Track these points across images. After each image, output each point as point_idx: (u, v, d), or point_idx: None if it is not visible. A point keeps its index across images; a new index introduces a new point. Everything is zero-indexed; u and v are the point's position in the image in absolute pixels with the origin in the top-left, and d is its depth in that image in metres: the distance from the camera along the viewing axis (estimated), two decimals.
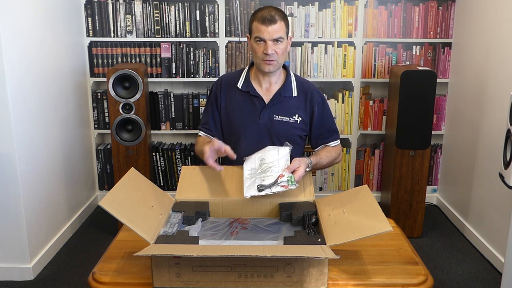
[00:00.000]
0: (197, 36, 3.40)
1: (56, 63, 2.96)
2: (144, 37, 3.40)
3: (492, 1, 2.90)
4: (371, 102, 3.53)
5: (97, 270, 1.40)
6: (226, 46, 3.40)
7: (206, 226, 1.56)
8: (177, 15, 3.37)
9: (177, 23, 3.38)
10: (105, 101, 3.46)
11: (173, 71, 3.44)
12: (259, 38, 1.87)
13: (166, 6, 3.35)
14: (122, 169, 3.06)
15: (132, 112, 3.03)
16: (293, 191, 1.64)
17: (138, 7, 3.36)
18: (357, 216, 1.41)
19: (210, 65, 3.44)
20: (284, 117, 1.97)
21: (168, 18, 3.37)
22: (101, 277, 1.36)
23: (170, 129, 3.53)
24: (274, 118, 1.97)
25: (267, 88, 2.00)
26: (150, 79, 3.41)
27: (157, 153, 3.54)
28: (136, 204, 1.47)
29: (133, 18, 3.38)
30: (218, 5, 3.34)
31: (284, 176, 1.60)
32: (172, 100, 3.47)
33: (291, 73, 2.04)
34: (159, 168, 3.58)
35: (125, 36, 3.40)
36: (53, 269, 2.75)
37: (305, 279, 1.28)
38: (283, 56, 1.93)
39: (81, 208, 3.35)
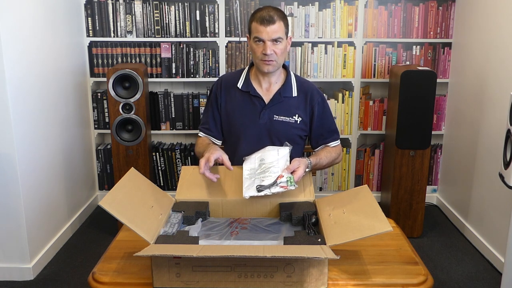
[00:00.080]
0: (197, 36, 3.40)
1: (56, 63, 2.96)
2: (144, 37, 3.40)
3: (492, 1, 2.90)
4: (371, 102, 3.53)
5: (97, 270, 1.40)
6: (226, 46, 3.40)
7: (206, 226, 1.56)
8: (177, 15, 3.37)
9: (177, 23, 3.38)
10: (105, 101, 3.46)
11: (173, 71, 3.44)
12: (258, 39, 1.87)
13: (166, 6, 3.35)
14: (122, 169, 3.06)
15: (132, 112, 3.03)
16: (293, 191, 1.64)
17: (138, 7, 3.36)
18: (357, 216, 1.41)
19: (210, 65, 3.44)
20: (284, 117, 1.97)
21: (168, 18, 3.37)
22: (101, 277, 1.36)
23: (170, 129, 3.53)
24: (274, 118, 1.97)
25: (267, 88, 2.00)
26: (150, 79, 3.41)
27: (157, 153, 3.54)
28: (136, 204, 1.47)
29: (133, 18, 3.38)
30: (218, 5, 3.34)
31: (283, 176, 1.60)
32: (172, 100, 3.47)
33: (291, 73, 2.03)
34: (159, 168, 3.58)
35: (125, 36, 3.40)
36: (53, 269, 2.75)
37: (305, 279, 1.28)
38: (283, 56, 1.93)
39: (81, 208, 3.35)
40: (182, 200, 1.68)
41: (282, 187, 1.57)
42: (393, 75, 3.19)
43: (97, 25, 3.39)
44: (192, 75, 3.45)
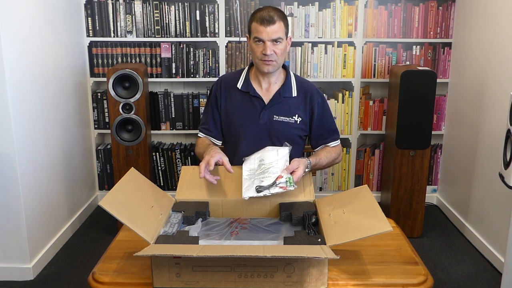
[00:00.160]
0: (197, 36, 3.40)
1: (56, 63, 2.96)
2: (144, 37, 3.40)
3: (492, 1, 2.90)
4: (371, 102, 3.53)
5: (97, 270, 1.40)
6: (226, 46, 3.40)
7: (206, 226, 1.56)
8: (177, 15, 3.37)
9: (177, 23, 3.38)
10: (105, 101, 3.46)
11: (173, 71, 3.44)
12: (258, 39, 1.87)
13: (166, 6, 3.35)
14: (122, 169, 3.06)
15: (132, 112, 3.03)
16: (293, 191, 1.64)
17: (138, 7, 3.36)
18: (357, 216, 1.41)
19: (210, 65, 3.44)
20: (283, 117, 1.97)
21: (168, 18, 3.37)
22: (101, 277, 1.36)
23: (170, 129, 3.53)
24: (274, 118, 1.97)
25: (266, 88, 2.00)
26: (150, 79, 3.41)
27: (157, 153, 3.54)
28: (136, 204, 1.47)
29: (133, 18, 3.38)
30: (218, 5, 3.34)
31: (282, 177, 1.60)
32: (172, 100, 3.47)
33: (291, 73, 2.03)
34: (159, 168, 3.58)
35: (125, 36, 3.40)
36: (53, 269, 2.75)
37: (305, 279, 1.28)
38: (282, 57, 1.93)
39: (81, 208, 3.35)
40: (182, 200, 1.68)
41: (281, 187, 1.57)
42: (393, 75, 3.19)
43: (97, 25, 3.39)
44: (192, 75, 3.45)
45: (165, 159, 3.56)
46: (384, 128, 3.54)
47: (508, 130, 1.92)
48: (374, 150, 3.64)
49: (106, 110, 3.47)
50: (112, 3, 3.36)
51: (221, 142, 2.09)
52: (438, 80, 3.20)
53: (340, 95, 3.47)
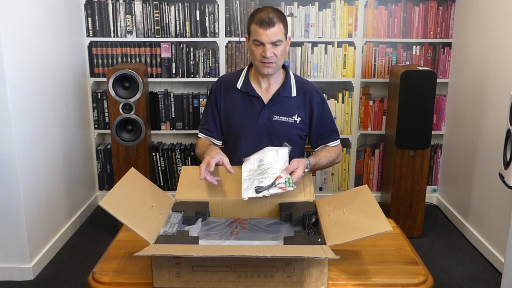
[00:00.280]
0: (197, 36, 3.40)
1: (56, 63, 2.96)
2: (144, 37, 3.40)
3: (492, 1, 2.90)
4: (371, 102, 3.53)
5: (97, 270, 1.40)
6: (226, 46, 3.40)
7: (206, 226, 1.56)
8: (177, 15, 3.37)
9: (177, 23, 3.38)
10: (105, 101, 3.46)
11: (173, 71, 3.44)
12: (257, 41, 1.87)
13: (166, 6, 3.35)
14: (122, 169, 3.06)
15: (132, 112, 3.03)
16: (293, 191, 1.64)
17: (138, 7, 3.36)
18: (357, 216, 1.41)
19: (210, 65, 3.44)
20: (283, 117, 1.97)
21: (168, 18, 3.37)
22: (101, 277, 1.36)
23: (170, 129, 3.53)
24: (274, 118, 1.97)
25: (266, 88, 2.00)
26: (150, 79, 3.41)
27: (157, 153, 3.54)
28: (136, 204, 1.47)
29: (133, 18, 3.38)
30: (218, 5, 3.34)
31: (282, 177, 1.60)
32: (172, 100, 3.47)
33: (291, 73, 2.03)
34: (159, 168, 3.58)
35: (125, 36, 3.40)
36: (53, 269, 2.75)
37: (305, 279, 1.28)
38: (282, 58, 1.93)
39: (81, 208, 3.35)
40: (182, 200, 1.68)
41: (280, 188, 1.57)
42: (393, 75, 3.19)
43: (97, 25, 3.39)
44: (192, 75, 3.45)
45: (165, 159, 3.56)
46: (384, 128, 3.54)
47: (508, 130, 1.92)
48: (374, 150, 3.64)
49: (106, 110, 3.47)
50: (112, 3, 3.36)
51: (221, 142, 2.09)
52: (438, 80, 3.20)
53: (340, 95, 3.47)
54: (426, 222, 3.32)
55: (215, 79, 3.26)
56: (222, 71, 3.43)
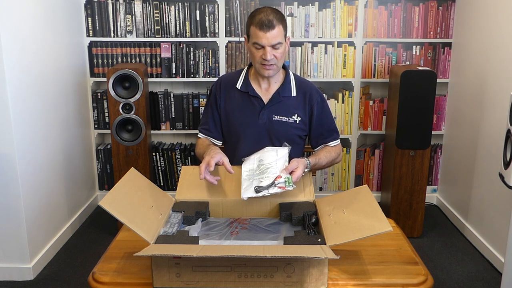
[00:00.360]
0: (197, 36, 3.40)
1: (56, 63, 2.96)
2: (144, 37, 3.40)
3: (492, 1, 2.90)
4: (371, 102, 3.53)
5: (97, 270, 1.40)
6: (226, 46, 3.40)
7: (206, 226, 1.56)
8: (177, 15, 3.37)
9: (177, 23, 3.38)
10: (105, 101, 3.46)
11: (173, 71, 3.44)
12: (258, 45, 1.86)
13: (166, 6, 3.35)
14: (122, 169, 3.06)
15: (132, 112, 3.03)
16: (293, 191, 1.64)
17: (138, 7, 3.36)
18: (357, 216, 1.41)
19: (210, 65, 3.44)
20: (283, 117, 1.97)
21: (168, 18, 3.37)
22: (101, 277, 1.36)
23: (170, 129, 3.53)
24: (273, 118, 1.97)
25: (266, 88, 2.00)
26: (150, 79, 3.41)
27: (157, 153, 3.54)
28: (136, 204, 1.47)
29: (133, 18, 3.38)
30: (218, 5, 3.34)
31: (281, 177, 1.60)
32: (172, 100, 3.47)
33: (290, 73, 2.03)
34: (159, 168, 3.58)
35: (125, 36, 3.40)
36: (53, 269, 2.75)
37: (305, 279, 1.28)
38: (282, 59, 1.92)
39: (81, 208, 3.35)
40: (182, 200, 1.68)
41: (280, 187, 1.57)
42: (393, 75, 3.19)
43: (97, 25, 3.39)
44: (192, 75, 3.45)
45: (165, 159, 3.56)
46: (384, 128, 3.54)
47: (508, 130, 1.92)
48: (374, 150, 3.64)
49: (106, 110, 3.47)
50: (112, 3, 3.36)
51: (221, 142, 2.09)
52: (438, 80, 3.20)
53: (340, 95, 3.47)
54: (426, 222, 3.32)
55: (215, 79, 3.25)
56: (222, 71, 3.43)
